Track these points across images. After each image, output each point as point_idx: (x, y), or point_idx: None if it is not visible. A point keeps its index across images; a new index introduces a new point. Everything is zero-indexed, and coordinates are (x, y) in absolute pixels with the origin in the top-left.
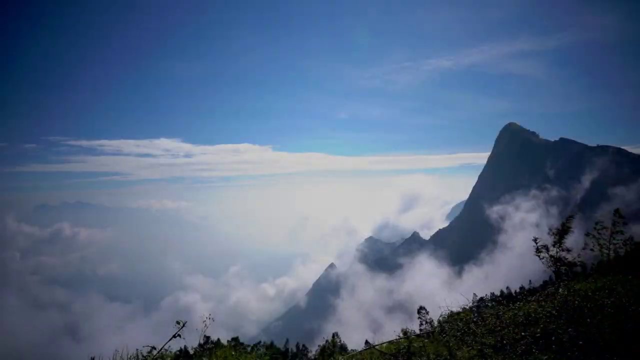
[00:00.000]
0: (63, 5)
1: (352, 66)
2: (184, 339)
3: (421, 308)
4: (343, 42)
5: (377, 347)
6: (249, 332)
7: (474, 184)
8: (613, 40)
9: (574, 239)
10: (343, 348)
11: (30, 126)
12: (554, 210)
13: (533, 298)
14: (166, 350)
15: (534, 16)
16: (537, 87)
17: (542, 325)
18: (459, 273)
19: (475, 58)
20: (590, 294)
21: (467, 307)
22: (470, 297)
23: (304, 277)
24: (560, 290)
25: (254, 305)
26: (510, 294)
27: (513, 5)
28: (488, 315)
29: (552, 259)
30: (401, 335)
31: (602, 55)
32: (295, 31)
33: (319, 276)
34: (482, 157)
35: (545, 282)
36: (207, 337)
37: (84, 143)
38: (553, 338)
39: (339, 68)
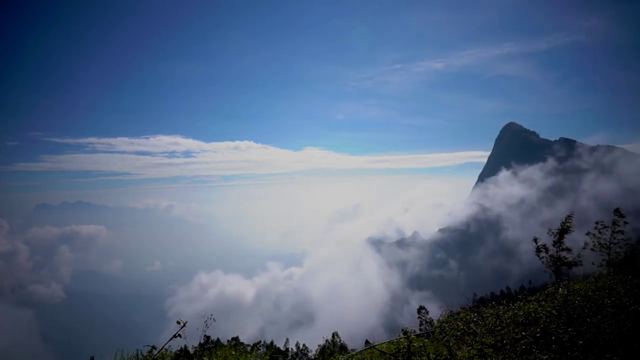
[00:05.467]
0: (51, 4)
1: (347, 68)
2: (184, 338)
3: (421, 308)
4: (336, 45)
5: (377, 346)
6: (249, 331)
7: (475, 183)
8: (602, 42)
9: (574, 238)
10: (343, 347)
11: (13, 123)
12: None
13: (533, 298)
14: (166, 350)
15: (523, 19)
16: (530, 87)
17: (542, 325)
18: (459, 273)
19: (466, 60)
20: (590, 294)
21: (467, 307)
22: (470, 297)
23: (303, 276)
24: (560, 290)
25: (253, 304)
26: (510, 294)
27: (501, 8)
28: (488, 315)
29: (552, 258)
30: (401, 335)
31: (593, 57)
32: (293, 34)
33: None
34: (483, 156)
35: (545, 282)
36: (207, 337)
37: (70, 141)
38: (553, 338)
39: (334, 70)
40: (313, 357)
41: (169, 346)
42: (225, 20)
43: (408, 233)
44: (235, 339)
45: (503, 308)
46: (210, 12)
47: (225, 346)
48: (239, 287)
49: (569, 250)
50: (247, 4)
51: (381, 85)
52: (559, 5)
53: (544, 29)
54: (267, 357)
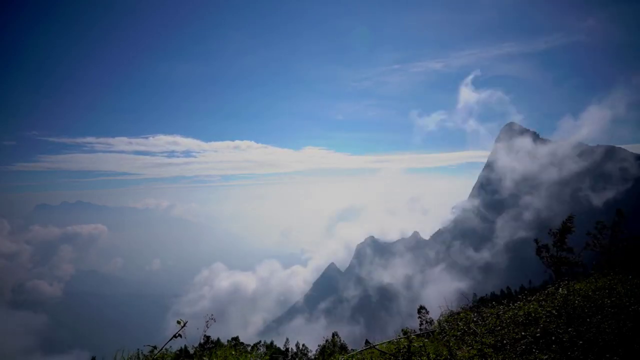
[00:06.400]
0: (51, 4)
1: (346, 68)
2: (184, 338)
3: (421, 307)
4: (336, 45)
5: (377, 346)
6: (249, 332)
7: (475, 182)
8: (601, 42)
9: (574, 238)
10: (343, 347)
11: (12, 123)
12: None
13: (533, 298)
14: (167, 349)
15: (523, 19)
16: (530, 87)
17: (542, 325)
18: (460, 273)
19: (466, 60)
20: (590, 293)
21: (467, 307)
22: (470, 297)
23: (303, 276)
24: (560, 290)
25: (254, 303)
26: (510, 294)
27: (501, 8)
28: (488, 315)
29: (553, 259)
30: (401, 335)
31: (592, 57)
32: (293, 34)
33: (318, 276)
34: (483, 156)
35: (545, 282)
36: (208, 337)
37: (67, 140)
38: (553, 338)
39: (334, 70)
40: (313, 357)
41: (169, 346)
42: (225, 20)
43: (408, 232)
44: (235, 338)
45: (503, 308)
46: (210, 12)
47: (225, 346)
48: (239, 287)
49: (570, 250)
50: (247, 4)
51: (380, 85)
52: (558, 5)
53: (543, 29)
54: (267, 357)
